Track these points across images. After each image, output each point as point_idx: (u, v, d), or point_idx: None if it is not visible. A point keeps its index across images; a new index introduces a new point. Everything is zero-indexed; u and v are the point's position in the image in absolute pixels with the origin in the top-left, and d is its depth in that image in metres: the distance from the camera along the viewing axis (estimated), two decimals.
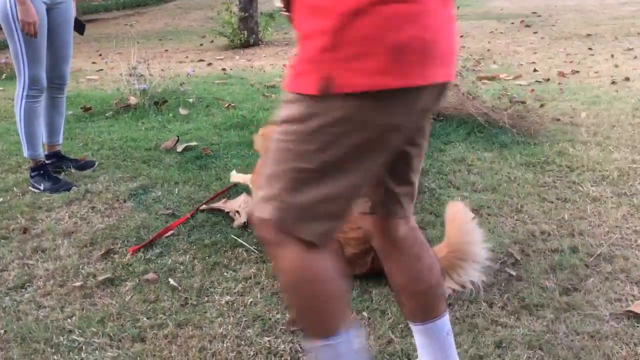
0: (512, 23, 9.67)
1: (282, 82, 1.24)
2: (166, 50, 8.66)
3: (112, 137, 4.06)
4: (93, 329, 1.98)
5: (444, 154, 3.50)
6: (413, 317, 1.53)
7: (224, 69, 6.92)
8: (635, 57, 6.28)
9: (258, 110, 4.69)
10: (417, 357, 1.77)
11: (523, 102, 4.15)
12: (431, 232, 2.56)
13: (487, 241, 2.41)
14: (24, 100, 3.10)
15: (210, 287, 2.22)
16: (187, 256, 2.45)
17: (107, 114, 4.68)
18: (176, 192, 3.09)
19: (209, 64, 7.36)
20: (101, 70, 7.04)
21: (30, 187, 3.21)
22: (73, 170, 3.44)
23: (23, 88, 3.08)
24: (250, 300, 2.13)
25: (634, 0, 11.56)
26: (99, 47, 9.02)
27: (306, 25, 1.18)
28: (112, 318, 2.05)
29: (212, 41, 9.36)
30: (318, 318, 1.29)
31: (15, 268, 2.41)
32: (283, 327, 1.97)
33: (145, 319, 2.04)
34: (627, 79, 5.24)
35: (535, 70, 5.89)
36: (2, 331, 2.00)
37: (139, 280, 2.28)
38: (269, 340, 1.91)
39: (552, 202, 2.81)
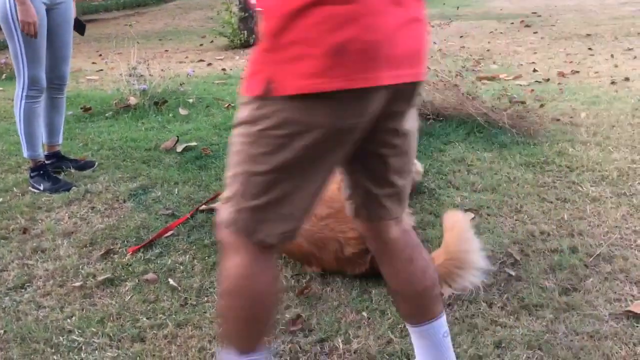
0: (512, 23, 9.67)
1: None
2: (166, 51, 8.67)
3: (112, 138, 4.06)
4: (93, 329, 1.99)
5: (444, 154, 3.50)
6: (409, 319, 1.53)
7: (224, 69, 6.92)
8: (635, 57, 6.28)
9: None
10: (415, 357, 1.78)
11: (523, 102, 4.15)
12: (431, 232, 2.56)
13: (486, 242, 2.42)
14: (23, 101, 3.10)
15: (209, 287, 2.22)
16: (187, 256, 2.45)
17: (107, 114, 4.68)
18: (176, 193, 3.09)
19: (209, 64, 7.36)
20: (101, 70, 7.04)
21: (30, 188, 3.21)
22: (73, 171, 3.44)
23: (22, 88, 3.08)
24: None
25: (634, 0, 11.56)
26: (99, 47, 9.02)
27: (260, 27, 1.20)
28: (111, 318, 2.05)
29: (212, 41, 9.37)
30: (245, 332, 1.31)
31: (15, 268, 2.41)
32: (283, 328, 1.97)
33: (144, 319, 2.04)
34: (626, 79, 5.24)
35: (535, 71, 5.89)
36: (2, 331, 2.00)
37: (138, 281, 2.28)
38: (268, 341, 1.91)
39: (551, 202, 2.82)
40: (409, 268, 1.45)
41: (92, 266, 2.40)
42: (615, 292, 2.09)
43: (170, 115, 4.61)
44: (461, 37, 8.42)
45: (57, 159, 3.46)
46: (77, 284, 2.27)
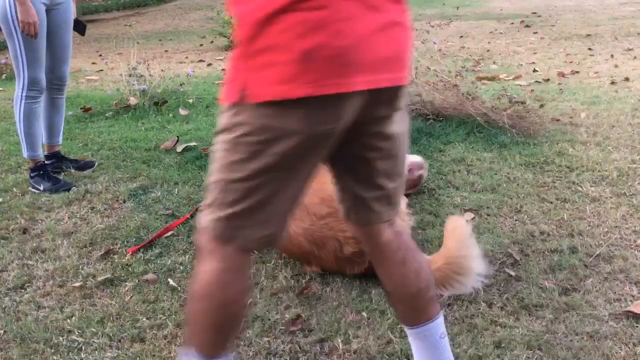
0: (512, 23, 9.67)
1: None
2: (166, 51, 8.66)
3: (111, 138, 4.06)
4: (92, 329, 1.99)
5: (444, 154, 3.50)
6: (405, 321, 1.53)
7: (224, 69, 6.92)
8: (635, 58, 6.28)
9: None
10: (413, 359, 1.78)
11: (523, 103, 4.15)
12: (430, 232, 2.56)
13: (486, 242, 2.42)
14: (23, 101, 3.10)
15: None
16: (187, 256, 2.45)
17: (106, 115, 4.68)
18: (176, 193, 3.09)
19: (209, 65, 7.36)
20: (101, 70, 7.04)
21: (29, 188, 3.21)
22: (73, 171, 3.44)
23: (22, 89, 3.08)
24: (249, 301, 2.13)
25: (633, 1, 11.56)
26: (99, 47, 9.02)
27: (234, 34, 1.21)
28: (111, 318, 2.05)
29: (212, 41, 9.36)
30: (209, 337, 1.32)
31: (15, 268, 2.41)
32: (283, 328, 1.97)
33: (144, 319, 2.04)
34: (626, 79, 5.24)
35: (535, 71, 5.89)
36: (2, 331, 2.00)
37: (138, 281, 2.28)
38: (268, 341, 1.91)
39: (551, 203, 2.82)
40: (401, 270, 1.44)
41: (92, 266, 2.40)
42: (615, 292, 2.09)
43: (170, 115, 4.61)
44: (461, 37, 8.42)
45: (57, 159, 3.46)
46: (77, 284, 2.27)
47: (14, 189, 3.22)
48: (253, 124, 1.17)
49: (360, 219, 1.42)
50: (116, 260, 2.44)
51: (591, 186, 2.97)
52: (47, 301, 2.18)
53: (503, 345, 1.85)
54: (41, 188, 3.17)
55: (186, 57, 8.03)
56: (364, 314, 2.03)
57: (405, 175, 1.44)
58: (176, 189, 3.13)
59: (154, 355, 1.86)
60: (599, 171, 3.14)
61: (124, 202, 3.01)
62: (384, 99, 1.25)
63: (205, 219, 1.29)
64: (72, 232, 2.70)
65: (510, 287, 2.14)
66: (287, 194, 1.24)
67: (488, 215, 2.72)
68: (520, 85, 5.24)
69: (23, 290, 2.26)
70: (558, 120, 4.05)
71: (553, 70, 5.84)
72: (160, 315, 2.06)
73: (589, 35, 7.93)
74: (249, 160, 1.20)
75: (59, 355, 1.87)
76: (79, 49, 8.50)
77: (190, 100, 4.99)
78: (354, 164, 1.36)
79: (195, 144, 3.83)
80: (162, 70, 5.88)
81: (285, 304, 2.10)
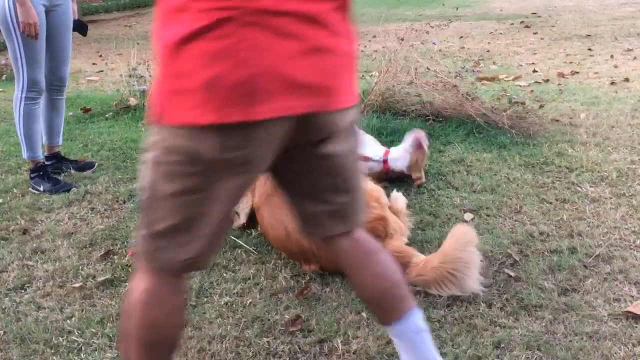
0: (512, 24, 9.67)
1: None
2: None
3: (112, 138, 4.07)
4: (92, 330, 1.99)
5: (443, 154, 3.50)
6: (379, 320, 1.55)
7: None
8: (635, 58, 6.28)
9: None
10: None
11: (522, 103, 4.15)
12: (430, 233, 2.56)
13: (485, 243, 2.42)
14: (22, 103, 3.10)
15: (209, 288, 2.23)
16: None
17: (107, 115, 4.68)
18: None
19: None
20: (101, 71, 7.04)
21: (29, 189, 3.21)
22: (73, 172, 3.44)
23: (22, 90, 3.09)
24: (249, 301, 2.13)
25: (633, 1, 11.56)
26: (99, 48, 9.02)
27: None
28: (111, 319, 2.05)
29: None
30: (142, 355, 1.32)
31: (15, 269, 2.41)
32: (282, 328, 1.97)
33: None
34: (626, 79, 5.24)
35: (534, 71, 5.89)
36: (2, 332, 2.00)
37: None
38: (267, 341, 1.91)
39: (551, 203, 2.82)
40: (361, 275, 1.46)
41: (92, 267, 2.40)
42: (615, 293, 2.09)
43: None
44: (461, 37, 8.42)
45: (57, 160, 3.47)
46: (77, 284, 2.27)
47: (14, 189, 3.22)
48: (170, 145, 1.19)
49: (312, 232, 1.46)
50: (116, 261, 2.44)
51: (591, 187, 2.98)
52: (47, 302, 2.18)
53: (502, 345, 1.85)
54: (41, 189, 3.17)
55: None
56: (364, 314, 2.03)
57: (360, 189, 1.44)
58: None
59: None
60: (598, 172, 3.14)
61: (124, 202, 3.01)
62: (313, 123, 1.25)
63: (136, 238, 1.31)
64: (72, 233, 2.70)
65: (510, 288, 2.14)
66: (208, 217, 1.24)
67: (487, 215, 2.72)
68: (520, 86, 5.24)
69: (23, 291, 2.26)
70: (558, 120, 4.05)
71: (553, 71, 5.84)
72: None
73: (589, 35, 7.94)
74: (167, 180, 1.21)
75: (59, 356, 1.87)
76: (79, 49, 8.51)
77: None
78: (297, 180, 1.38)
79: None
80: None
81: (285, 305, 2.10)
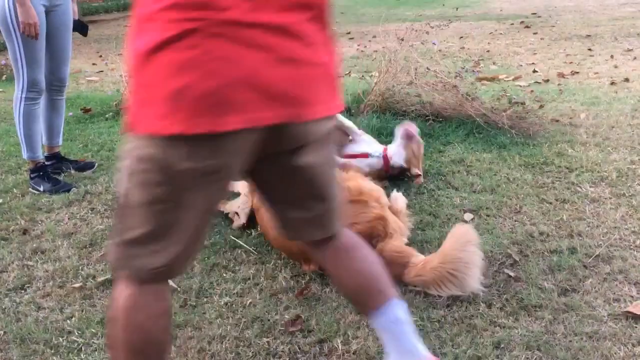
0: (512, 24, 9.67)
1: None
2: None
3: (111, 139, 4.07)
4: (92, 330, 1.99)
5: (443, 154, 3.50)
6: (361, 312, 1.58)
7: None
8: (635, 58, 6.29)
9: None
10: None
11: (522, 103, 4.15)
12: (430, 233, 2.56)
13: (485, 243, 2.42)
14: (22, 103, 3.11)
15: (209, 288, 2.23)
16: None
17: (106, 116, 4.68)
18: None
19: None
20: (101, 71, 7.05)
21: (29, 189, 3.21)
22: (73, 172, 3.44)
23: (21, 90, 3.09)
24: (249, 301, 2.13)
25: (633, 1, 11.56)
26: (99, 48, 9.02)
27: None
28: None
29: None
30: None
31: (15, 269, 2.41)
32: (282, 328, 1.97)
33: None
34: (626, 79, 5.24)
35: (534, 71, 5.89)
36: (2, 332, 2.00)
37: None
38: (267, 341, 1.91)
39: (550, 203, 2.82)
40: (339, 271, 1.49)
41: (92, 267, 2.40)
42: (614, 293, 2.09)
43: None
44: (461, 38, 8.42)
45: (57, 160, 3.47)
46: (77, 285, 2.27)
47: (14, 190, 3.22)
48: (141, 154, 1.20)
49: (292, 237, 1.48)
50: None
51: (590, 187, 2.98)
52: (47, 302, 2.18)
53: (502, 345, 1.85)
54: (41, 189, 3.17)
55: None
56: None
57: (337, 197, 1.45)
58: None
59: None
60: (598, 172, 3.14)
61: None
62: (285, 134, 1.26)
63: (109, 245, 1.31)
64: (72, 233, 2.70)
65: (510, 288, 2.14)
66: (181, 225, 1.24)
67: (487, 216, 2.72)
68: (520, 86, 5.24)
69: (23, 291, 2.26)
70: (558, 121, 4.05)
71: (553, 71, 5.84)
72: None
73: (589, 35, 7.94)
74: (139, 189, 1.22)
75: (59, 356, 1.87)
76: (79, 49, 8.50)
77: None
78: (273, 188, 1.40)
79: None
80: None
81: (285, 305, 2.11)
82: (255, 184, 1.44)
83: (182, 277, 2.30)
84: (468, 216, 2.70)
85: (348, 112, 4.12)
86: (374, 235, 2.21)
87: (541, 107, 4.33)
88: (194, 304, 2.13)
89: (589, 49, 6.97)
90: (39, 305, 2.16)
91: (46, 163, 3.33)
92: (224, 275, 2.32)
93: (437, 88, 4.07)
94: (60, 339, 1.95)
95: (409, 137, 3.06)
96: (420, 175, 3.07)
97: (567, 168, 3.22)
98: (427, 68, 4.24)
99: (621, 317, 1.96)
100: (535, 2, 12.66)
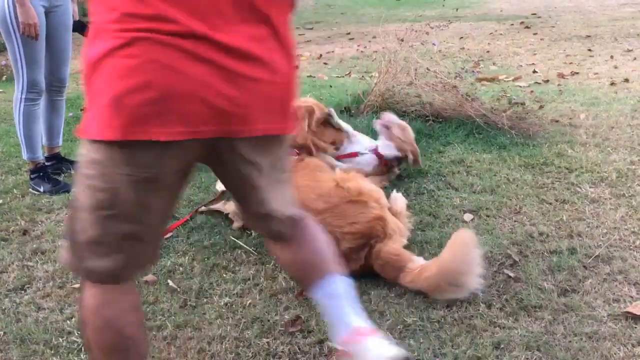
0: (512, 24, 9.67)
1: None
2: None
3: None
4: None
5: (443, 155, 3.50)
6: (304, 288, 1.64)
7: None
8: (635, 59, 6.29)
9: None
10: (415, 357, 1.79)
11: (522, 104, 4.15)
12: (430, 233, 2.56)
13: (485, 243, 2.42)
14: (22, 104, 3.11)
15: (209, 289, 2.23)
16: (186, 258, 2.45)
17: None
18: None
19: None
20: None
21: (30, 189, 3.21)
22: (73, 172, 3.44)
23: (21, 91, 3.09)
24: (249, 302, 2.13)
25: (633, 2, 11.57)
26: None
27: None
28: None
29: None
30: None
31: (15, 270, 2.41)
32: (282, 329, 1.98)
33: (144, 320, 2.04)
34: (626, 80, 5.24)
35: (534, 72, 5.89)
36: (2, 333, 2.00)
37: (138, 282, 2.28)
38: (267, 342, 1.91)
39: (550, 204, 2.82)
40: (283, 252, 1.54)
41: None
42: (614, 293, 2.09)
43: None
44: (461, 38, 8.43)
45: (57, 161, 3.47)
46: (77, 285, 2.27)
47: (14, 190, 3.22)
48: (88, 159, 1.22)
49: (252, 228, 1.57)
50: None
51: (590, 187, 2.98)
52: (47, 302, 2.18)
53: (502, 346, 1.85)
54: (41, 190, 3.17)
55: None
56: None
57: (285, 199, 1.48)
58: None
59: (153, 356, 1.86)
60: (598, 172, 3.14)
61: None
62: (225, 148, 1.28)
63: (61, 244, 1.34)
64: None
65: (510, 288, 2.14)
66: (124, 234, 1.25)
67: (487, 216, 2.72)
68: (520, 87, 5.24)
69: (23, 292, 2.26)
70: (557, 121, 4.05)
71: (553, 72, 5.84)
72: (160, 317, 2.06)
73: (589, 36, 7.94)
74: (85, 193, 1.24)
75: (58, 357, 1.88)
76: (79, 50, 8.49)
77: None
78: (227, 185, 1.46)
79: None
80: None
81: (285, 305, 2.11)
82: (226, 183, 1.49)
83: (182, 277, 2.31)
84: (468, 217, 2.70)
85: (348, 113, 4.12)
86: (373, 235, 2.21)
87: (541, 107, 4.33)
88: (194, 304, 2.14)
89: (589, 50, 6.97)
90: (39, 305, 2.16)
91: (46, 164, 3.34)
92: (224, 275, 2.32)
93: (437, 88, 4.08)
94: (60, 340, 1.95)
95: (386, 126, 3.07)
96: (416, 159, 3.06)
97: (567, 168, 3.22)
98: (427, 68, 4.24)
99: (621, 317, 1.96)
100: (535, 2, 12.66)
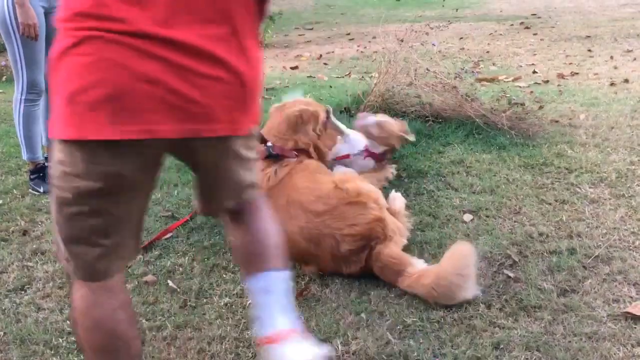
0: (512, 25, 9.67)
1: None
2: None
3: None
4: None
5: (443, 155, 3.50)
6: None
7: None
8: (635, 59, 6.29)
9: None
10: (415, 357, 1.79)
11: (522, 104, 4.14)
12: (430, 233, 2.56)
13: (484, 244, 2.42)
14: (22, 105, 3.11)
15: (209, 289, 2.23)
16: (186, 258, 2.45)
17: None
18: (175, 194, 3.09)
19: None
20: None
21: (29, 190, 3.22)
22: None
23: (21, 92, 3.09)
24: (249, 302, 2.13)
25: (633, 2, 11.56)
26: None
27: None
28: None
29: None
30: None
31: (15, 270, 2.41)
32: None
33: (144, 320, 2.04)
34: (626, 80, 5.24)
35: (534, 72, 5.89)
36: (2, 333, 2.01)
37: (138, 282, 2.29)
38: None
39: (550, 204, 2.82)
40: (236, 238, 1.55)
41: None
42: (614, 294, 2.10)
43: None
44: (460, 38, 8.43)
45: None
46: None
47: (14, 191, 3.23)
48: (54, 158, 1.23)
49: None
50: None
51: (590, 187, 2.98)
52: (47, 303, 2.18)
53: (502, 346, 1.85)
54: (41, 190, 3.18)
55: None
56: (363, 315, 2.04)
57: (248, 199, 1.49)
58: (176, 191, 3.13)
59: (153, 356, 1.86)
60: (597, 173, 3.14)
61: None
62: (187, 147, 1.28)
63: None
64: None
65: (509, 289, 2.15)
66: (92, 224, 1.25)
67: (487, 216, 2.72)
68: (520, 87, 5.24)
69: (23, 292, 2.27)
70: (557, 121, 4.05)
71: (552, 72, 5.84)
72: (160, 317, 2.06)
73: (589, 36, 7.94)
74: (55, 191, 1.25)
75: (58, 357, 1.88)
76: None
77: None
78: (198, 179, 1.46)
79: None
80: None
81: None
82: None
83: (182, 277, 2.31)
84: (467, 217, 2.71)
85: (348, 113, 4.12)
86: (373, 237, 2.21)
87: (541, 108, 4.33)
88: (194, 304, 2.14)
89: (589, 50, 6.97)
90: (39, 306, 2.16)
91: (46, 164, 3.33)
92: (224, 276, 2.32)
93: (437, 89, 4.07)
94: (60, 340, 1.96)
95: (361, 127, 3.04)
96: (404, 143, 3.06)
97: (567, 169, 3.22)
98: (427, 69, 4.24)
99: (620, 317, 1.96)
100: (535, 3, 12.66)
